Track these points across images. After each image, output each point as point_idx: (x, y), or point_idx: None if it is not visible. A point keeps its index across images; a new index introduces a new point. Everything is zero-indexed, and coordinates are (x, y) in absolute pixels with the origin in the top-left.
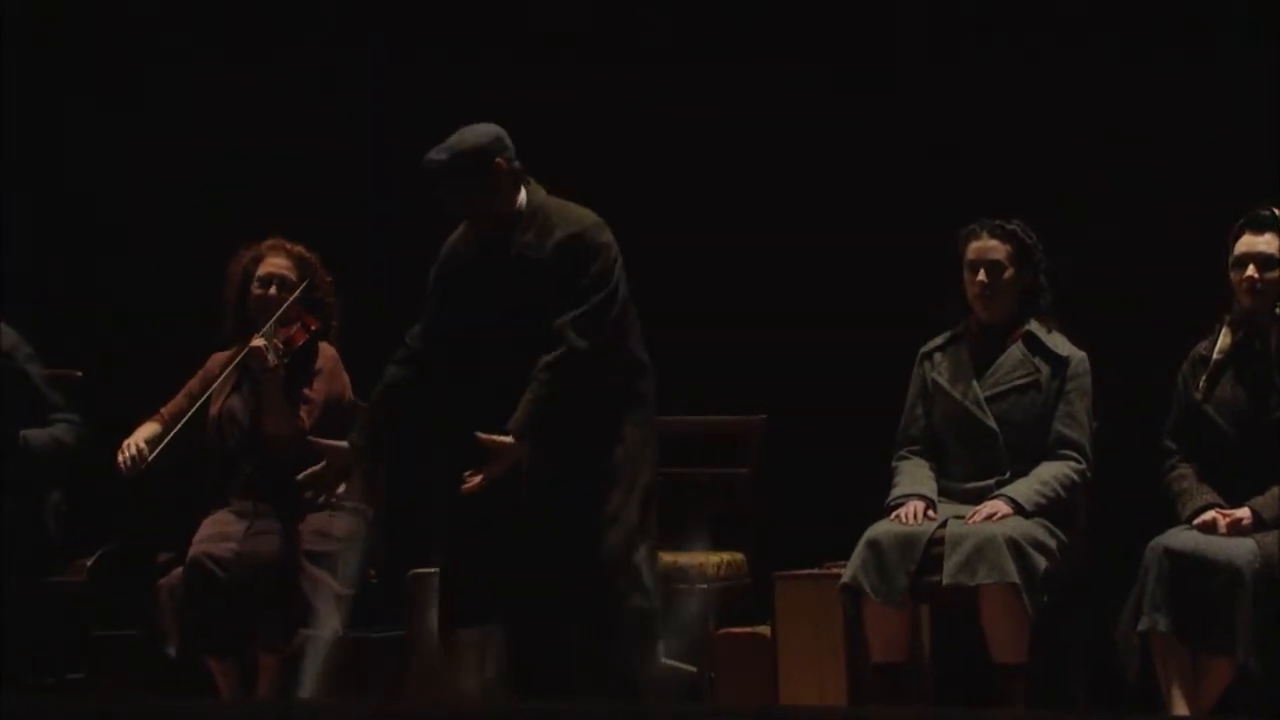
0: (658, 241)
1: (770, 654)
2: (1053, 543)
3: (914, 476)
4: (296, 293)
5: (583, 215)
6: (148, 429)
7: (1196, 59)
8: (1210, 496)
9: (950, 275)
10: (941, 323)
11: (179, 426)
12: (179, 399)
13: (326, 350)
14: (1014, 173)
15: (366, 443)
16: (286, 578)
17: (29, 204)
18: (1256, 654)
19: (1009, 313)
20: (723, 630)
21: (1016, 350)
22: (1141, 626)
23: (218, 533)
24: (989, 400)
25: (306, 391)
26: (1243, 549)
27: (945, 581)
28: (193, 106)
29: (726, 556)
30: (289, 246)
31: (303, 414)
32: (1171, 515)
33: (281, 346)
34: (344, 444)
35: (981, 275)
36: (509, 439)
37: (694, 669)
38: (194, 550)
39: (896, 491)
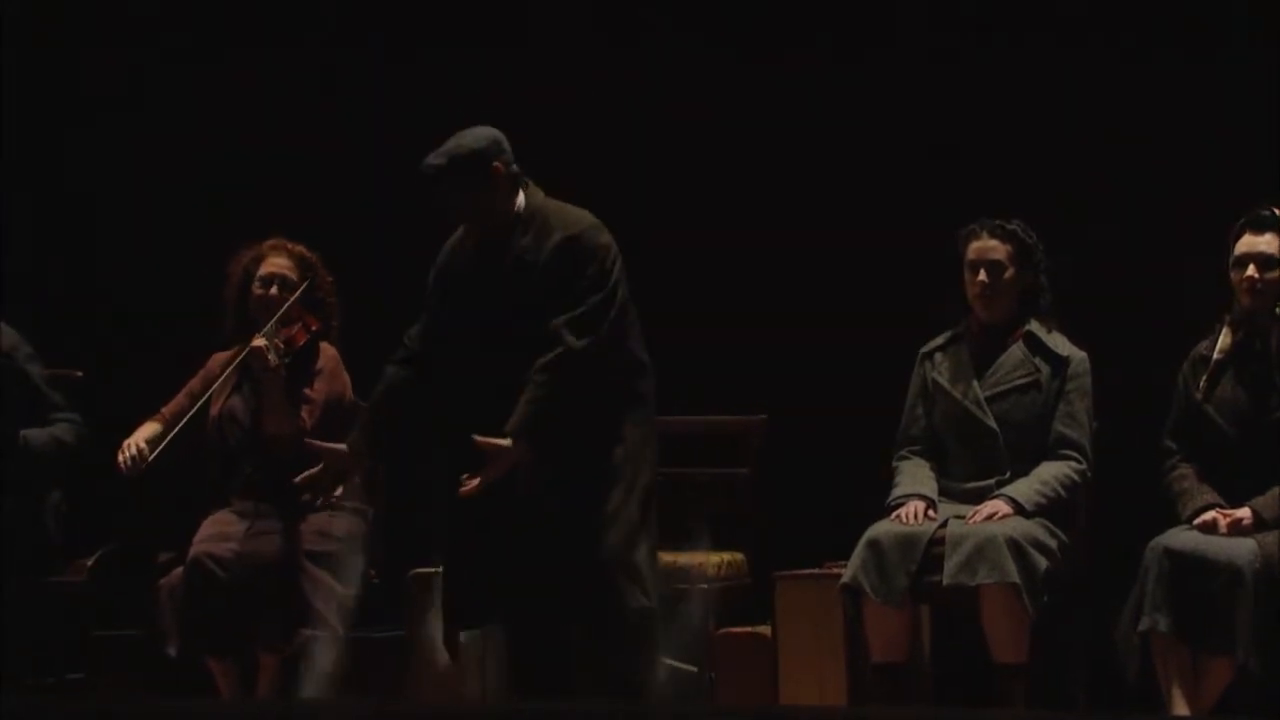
0: (658, 241)
1: (770, 654)
2: (1053, 543)
3: (914, 476)
4: (298, 293)
5: (581, 217)
6: (148, 429)
7: (1196, 59)
8: (1210, 496)
9: (950, 275)
10: (941, 323)
11: (180, 426)
12: (180, 399)
13: (327, 350)
14: (1014, 173)
15: (366, 443)
16: (287, 578)
17: (29, 204)
18: (1256, 654)
19: (1009, 313)
20: (723, 630)
21: (1017, 350)
22: (1142, 626)
23: (218, 533)
24: (989, 400)
25: (307, 391)
26: (1243, 549)
27: (946, 581)
28: (193, 106)
29: (726, 556)
30: (290, 246)
31: (304, 414)
32: (1172, 515)
33: (282, 346)
34: (341, 447)
35: (982, 275)
36: (506, 442)
37: (694, 669)
38: (194, 550)
39: (897, 491)
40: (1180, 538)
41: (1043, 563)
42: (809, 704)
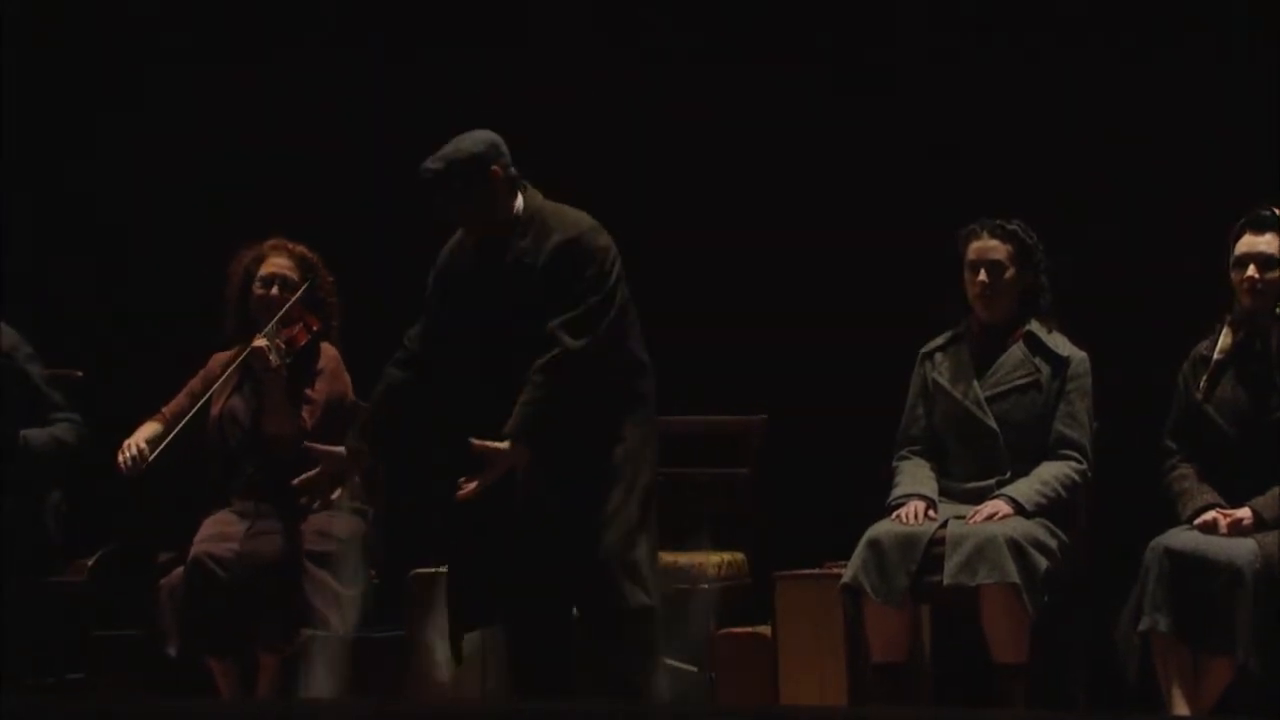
0: (658, 241)
1: (770, 654)
2: (1053, 543)
3: (914, 476)
4: (299, 293)
5: (579, 219)
6: (149, 429)
7: (1196, 59)
8: (1211, 496)
9: (950, 275)
10: (941, 323)
11: (180, 426)
12: (180, 398)
13: (328, 350)
14: (1014, 173)
15: (366, 444)
16: (287, 578)
17: (29, 204)
18: (1257, 654)
19: (1009, 313)
20: (723, 630)
21: (1017, 350)
22: (1142, 626)
23: (219, 533)
24: (989, 400)
25: (308, 392)
26: (1243, 549)
27: (946, 581)
28: (193, 106)
29: (727, 556)
30: (291, 246)
31: (304, 414)
32: (1172, 515)
33: (283, 346)
34: (339, 449)
35: (982, 275)
36: (503, 445)
37: (694, 669)
38: (195, 550)
39: (897, 491)
40: (1180, 538)
41: (1043, 563)
42: (809, 704)
